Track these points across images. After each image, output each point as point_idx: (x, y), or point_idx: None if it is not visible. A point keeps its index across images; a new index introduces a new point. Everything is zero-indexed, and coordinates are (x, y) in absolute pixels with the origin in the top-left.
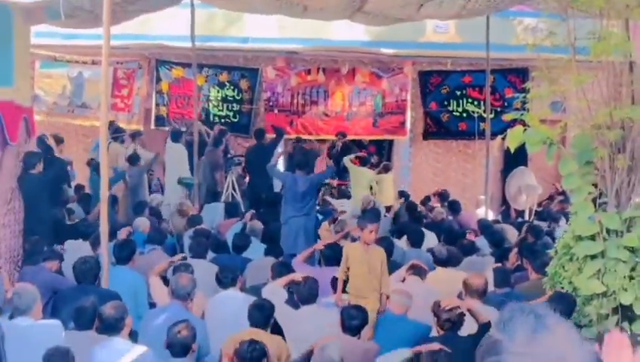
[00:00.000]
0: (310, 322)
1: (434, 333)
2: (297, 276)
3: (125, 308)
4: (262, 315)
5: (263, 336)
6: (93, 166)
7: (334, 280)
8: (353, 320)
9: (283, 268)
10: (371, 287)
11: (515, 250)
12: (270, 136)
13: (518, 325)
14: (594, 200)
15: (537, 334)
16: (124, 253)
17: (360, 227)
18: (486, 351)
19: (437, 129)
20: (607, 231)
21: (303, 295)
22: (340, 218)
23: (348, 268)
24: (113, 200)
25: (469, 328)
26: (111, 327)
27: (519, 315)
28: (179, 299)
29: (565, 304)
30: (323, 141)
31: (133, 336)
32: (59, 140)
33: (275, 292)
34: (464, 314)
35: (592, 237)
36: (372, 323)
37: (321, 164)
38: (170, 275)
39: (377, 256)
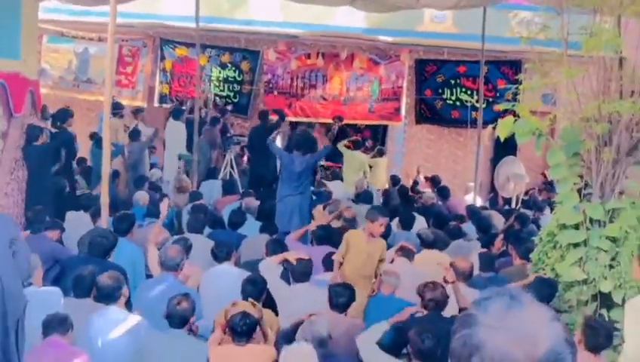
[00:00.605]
0: (302, 298)
1: (419, 314)
2: (292, 256)
3: (122, 279)
4: (254, 289)
5: (255, 309)
6: (96, 140)
7: (325, 259)
8: (340, 298)
9: (277, 245)
10: (364, 275)
11: (501, 236)
12: (273, 118)
13: (493, 301)
14: (579, 191)
15: (510, 310)
16: (123, 226)
17: (370, 219)
18: (460, 324)
19: (431, 115)
20: (591, 220)
21: (297, 273)
22: (334, 199)
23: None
24: (114, 175)
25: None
26: (107, 296)
27: (495, 294)
28: (169, 271)
29: (547, 288)
30: (321, 124)
31: (129, 306)
32: (69, 114)
33: (271, 267)
34: (448, 296)
35: (576, 226)
36: (362, 306)
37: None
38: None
39: (378, 247)
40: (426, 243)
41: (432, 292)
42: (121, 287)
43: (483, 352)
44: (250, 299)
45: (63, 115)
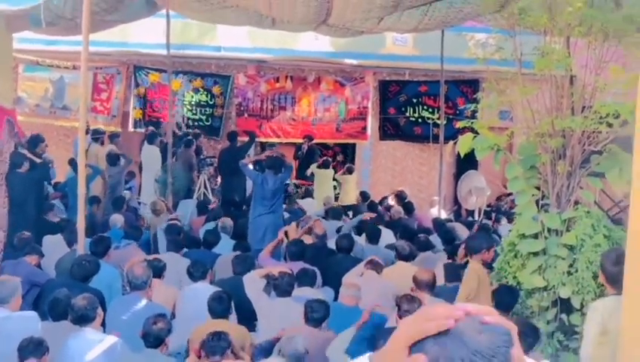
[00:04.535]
0: (283, 312)
1: (392, 323)
2: (275, 270)
3: (96, 300)
4: (220, 306)
5: (226, 326)
6: (74, 165)
7: (299, 275)
8: (315, 313)
9: (243, 262)
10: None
11: (464, 246)
12: (242, 139)
13: None
14: (537, 202)
15: None
16: (99, 248)
17: (487, 247)
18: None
19: (394, 131)
20: (549, 230)
21: (281, 288)
22: (307, 216)
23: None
24: (94, 200)
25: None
26: (83, 318)
27: None
28: (137, 290)
29: (509, 296)
30: (292, 144)
31: (104, 327)
32: (39, 140)
33: (255, 280)
34: None
35: (535, 236)
36: None
37: None
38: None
39: None
40: (402, 256)
41: (409, 304)
42: (95, 308)
43: None
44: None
45: (34, 141)
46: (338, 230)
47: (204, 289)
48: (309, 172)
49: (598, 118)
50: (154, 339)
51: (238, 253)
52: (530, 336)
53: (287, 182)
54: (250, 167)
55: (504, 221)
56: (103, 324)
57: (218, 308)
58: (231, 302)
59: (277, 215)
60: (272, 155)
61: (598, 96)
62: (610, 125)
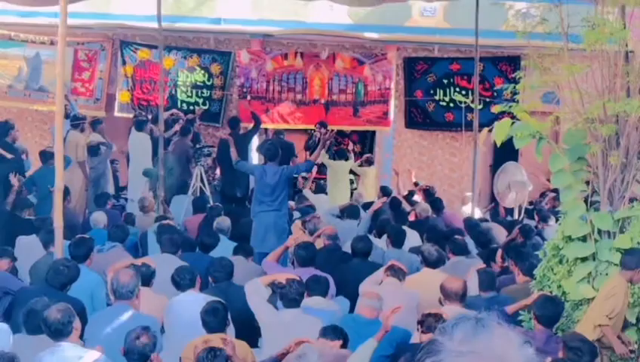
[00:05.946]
0: (292, 326)
1: (415, 339)
2: (281, 277)
3: (72, 311)
4: (215, 320)
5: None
6: (45, 156)
7: (309, 282)
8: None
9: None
10: None
11: (501, 251)
12: (245, 125)
13: (458, 327)
14: (586, 199)
15: (477, 334)
16: (80, 251)
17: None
18: (426, 351)
19: (422, 119)
20: (599, 231)
21: (288, 298)
22: (314, 215)
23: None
24: (65, 192)
25: None
26: (58, 332)
27: (460, 320)
28: (122, 299)
29: (551, 308)
30: (303, 131)
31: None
32: (8, 127)
33: (258, 290)
34: None
35: (583, 239)
36: None
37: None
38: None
39: None
40: (428, 262)
41: (434, 319)
42: (72, 321)
43: None
44: (221, 335)
45: (3, 129)
46: None
47: (194, 300)
48: (319, 161)
49: None
50: (138, 356)
51: (239, 256)
52: (586, 355)
53: (304, 175)
54: (256, 161)
55: (552, 221)
56: (83, 338)
57: (213, 320)
58: (227, 313)
59: (280, 213)
60: (266, 141)
61: None
62: None
